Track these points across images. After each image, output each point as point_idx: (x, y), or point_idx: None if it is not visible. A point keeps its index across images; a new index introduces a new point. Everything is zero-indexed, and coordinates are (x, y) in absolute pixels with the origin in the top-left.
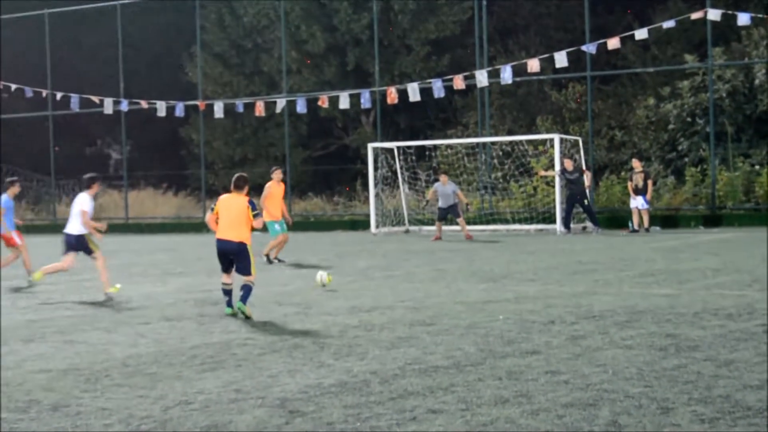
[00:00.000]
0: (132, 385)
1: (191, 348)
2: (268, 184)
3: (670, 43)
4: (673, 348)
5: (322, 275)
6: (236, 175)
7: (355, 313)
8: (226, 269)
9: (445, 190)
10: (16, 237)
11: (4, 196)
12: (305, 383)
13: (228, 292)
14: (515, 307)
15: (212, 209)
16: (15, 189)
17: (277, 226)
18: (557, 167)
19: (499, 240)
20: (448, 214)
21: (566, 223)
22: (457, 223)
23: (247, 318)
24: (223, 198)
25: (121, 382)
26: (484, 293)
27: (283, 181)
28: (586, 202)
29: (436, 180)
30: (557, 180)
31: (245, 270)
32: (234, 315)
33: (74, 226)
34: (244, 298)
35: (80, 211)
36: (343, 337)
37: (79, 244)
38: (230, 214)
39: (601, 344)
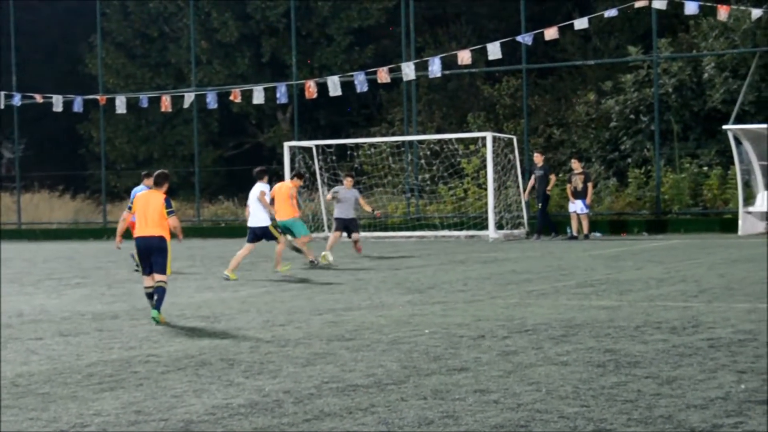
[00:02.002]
0: (22, 406)
1: (88, 366)
2: (277, 185)
3: (613, 34)
4: (612, 364)
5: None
6: (157, 172)
7: (267, 327)
8: (148, 270)
9: (347, 195)
10: None
11: (140, 186)
12: (212, 404)
13: (152, 296)
14: (442, 320)
15: (129, 208)
16: (150, 181)
17: (300, 222)
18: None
19: (426, 247)
20: (346, 227)
21: (550, 226)
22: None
23: (160, 324)
24: (140, 195)
25: (10, 403)
26: (408, 305)
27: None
28: (539, 205)
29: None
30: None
31: (162, 267)
32: (158, 322)
33: (259, 218)
34: (158, 304)
35: (259, 193)
36: (255, 353)
37: (265, 234)
38: (147, 211)
39: (535, 360)
